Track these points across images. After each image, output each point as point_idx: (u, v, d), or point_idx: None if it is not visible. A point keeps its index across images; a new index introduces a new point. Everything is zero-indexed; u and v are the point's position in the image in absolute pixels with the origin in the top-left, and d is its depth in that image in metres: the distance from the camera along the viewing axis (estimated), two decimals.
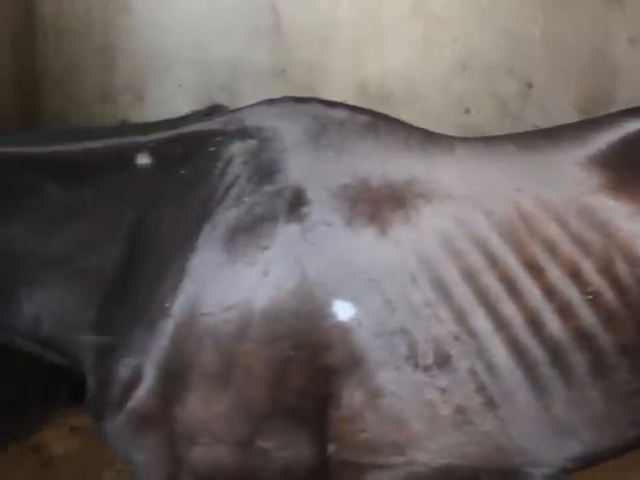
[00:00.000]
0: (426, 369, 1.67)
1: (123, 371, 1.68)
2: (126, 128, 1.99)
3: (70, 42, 4.12)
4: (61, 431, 3.82)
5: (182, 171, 1.81)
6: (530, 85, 3.94)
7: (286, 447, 1.71)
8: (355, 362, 1.66)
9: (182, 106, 3.84)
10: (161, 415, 1.66)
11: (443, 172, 1.81)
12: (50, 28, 4.10)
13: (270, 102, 1.93)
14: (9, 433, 3.66)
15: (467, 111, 3.98)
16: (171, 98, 4.04)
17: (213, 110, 2.03)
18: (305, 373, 1.66)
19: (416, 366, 1.67)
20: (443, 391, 1.67)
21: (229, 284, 1.67)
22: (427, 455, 1.71)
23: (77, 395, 1.95)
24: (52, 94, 4.16)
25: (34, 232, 1.77)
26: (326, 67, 4.01)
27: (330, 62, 4.01)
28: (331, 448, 1.73)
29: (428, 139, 1.90)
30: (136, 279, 1.74)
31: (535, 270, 1.70)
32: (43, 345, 1.84)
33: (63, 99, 4.17)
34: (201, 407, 1.65)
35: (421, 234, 1.72)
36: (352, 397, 1.68)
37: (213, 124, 1.90)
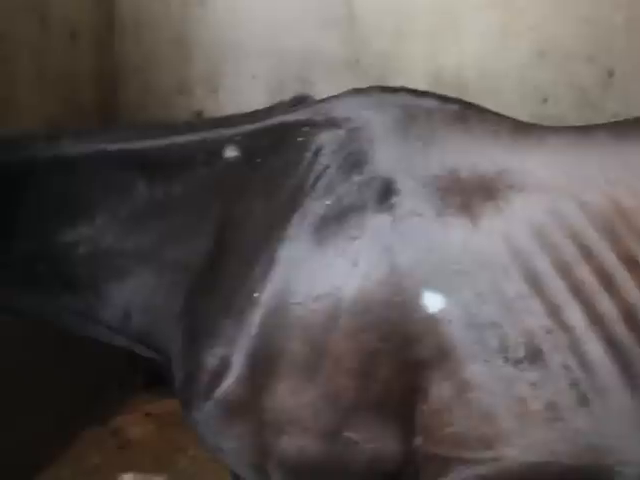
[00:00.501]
0: (517, 363, 1.63)
1: (211, 361, 1.70)
2: (212, 122, 2.00)
3: (148, 35, 4.19)
4: (137, 416, 3.92)
5: (270, 163, 1.82)
6: (611, 73, 3.82)
7: (372, 439, 1.70)
8: (444, 355, 1.64)
9: (256, 97, 3.89)
10: (249, 404, 1.67)
11: (535, 162, 1.77)
12: (129, 23, 4.19)
13: (357, 92, 1.92)
14: (88, 416, 3.76)
15: (545, 101, 3.89)
16: (246, 89, 4.07)
17: (298, 101, 2.03)
18: (393, 365, 1.65)
19: (506, 360, 1.64)
20: (534, 386, 1.64)
21: (318, 274, 1.67)
22: (516, 451, 1.68)
23: (152, 382, 1.99)
24: (130, 86, 4.25)
25: (124, 228, 1.81)
26: (400, 57, 3.98)
27: (404, 52, 3.98)
28: (417, 441, 1.72)
29: (519, 129, 1.86)
30: (224, 270, 1.76)
31: (632, 264, 1.65)
32: (132, 339, 1.88)
33: (140, 91, 4.25)
34: (289, 396, 1.65)
35: (513, 225, 1.68)
36: (440, 390, 1.66)
37: (300, 115, 1.90)
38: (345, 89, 1.98)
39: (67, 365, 3.38)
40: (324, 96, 1.99)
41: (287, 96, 2.11)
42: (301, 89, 3.76)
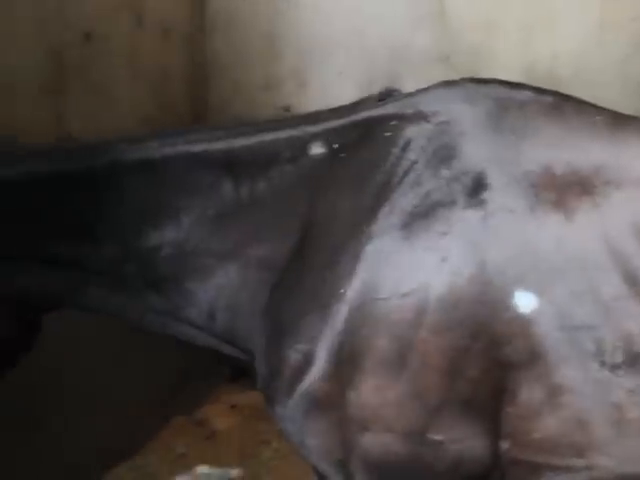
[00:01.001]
0: (614, 368, 1.56)
1: (294, 356, 1.69)
2: (298, 118, 1.99)
3: (237, 32, 4.24)
4: (223, 408, 3.98)
5: (356, 158, 1.80)
6: None
7: (458, 440, 1.66)
8: (535, 357, 1.58)
9: (344, 93, 3.88)
10: (333, 400, 1.66)
11: (635, 157, 1.68)
12: (220, 20, 4.25)
13: (447, 84, 1.87)
14: (175, 406, 3.84)
15: None
16: (333, 85, 4.07)
17: (386, 95, 2.00)
18: (481, 364, 1.60)
19: (602, 364, 1.56)
20: (632, 393, 1.56)
21: (405, 270, 1.64)
22: (610, 460, 1.60)
23: (238, 374, 2.01)
24: (219, 83, 4.31)
25: (210, 228, 1.83)
26: (492, 51, 3.88)
27: (496, 46, 3.88)
28: (504, 445, 1.66)
29: (617, 121, 1.77)
30: (309, 267, 1.75)
31: None
32: (216, 338, 1.89)
33: (229, 88, 4.30)
34: (374, 393, 1.63)
35: (611, 223, 1.61)
36: (530, 393, 1.61)
37: (387, 109, 1.87)
38: None
39: (156, 354, 3.45)
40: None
41: (375, 92, 2.08)
42: (389, 85, 3.72)
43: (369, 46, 4.03)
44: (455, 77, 2.04)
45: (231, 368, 4.06)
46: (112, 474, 3.35)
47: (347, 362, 1.64)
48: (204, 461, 3.48)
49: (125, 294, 1.88)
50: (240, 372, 1.89)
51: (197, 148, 1.85)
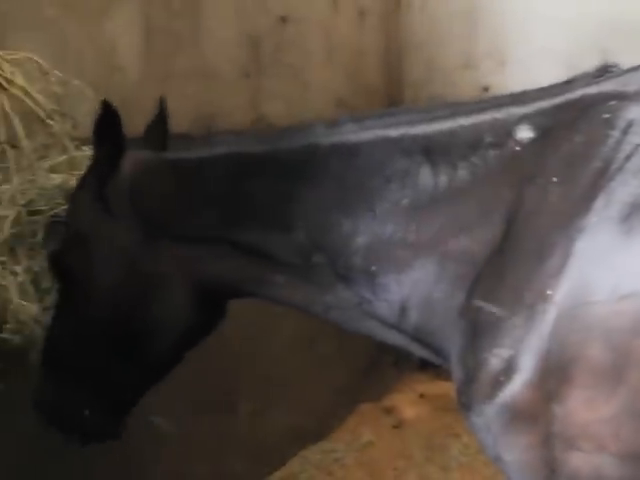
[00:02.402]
0: None
1: (494, 361, 1.54)
2: (502, 99, 1.82)
3: (434, 9, 4.10)
4: (412, 396, 3.91)
5: (569, 143, 1.61)
6: None
7: None
8: None
9: (548, 70, 3.61)
10: (537, 412, 1.50)
11: None
12: None
13: None
14: (363, 392, 3.82)
15: None
16: (535, 62, 3.81)
17: (603, 71, 1.78)
18: None
19: None
20: None
21: (625, 270, 1.44)
22: None
23: (427, 363, 1.89)
24: (415, 64, 4.20)
25: (406, 217, 1.70)
26: None
27: None
28: None
29: None
30: (511, 262, 1.59)
31: None
32: (407, 336, 1.78)
33: (424, 67, 4.18)
34: (584, 408, 1.46)
35: None
36: None
37: (605, 87, 1.66)
38: None
39: (346, 340, 3.44)
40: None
41: (583, 69, 1.87)
42: (600, 61, 3.43)
43: (576, 18, 3.73)
44: None
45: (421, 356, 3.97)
46: (299, 456, 3.39)
47: (554, 372, 1.48)
48: (391, 450, 3.43)
49: (312, 286, 1.81)
50: (429, 361, 1.79)
51: (394, 133, 1.74)
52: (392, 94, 4.11)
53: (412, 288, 1.69)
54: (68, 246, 1.86)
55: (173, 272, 1.82)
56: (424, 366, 3.93)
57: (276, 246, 1.80)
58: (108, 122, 1.74)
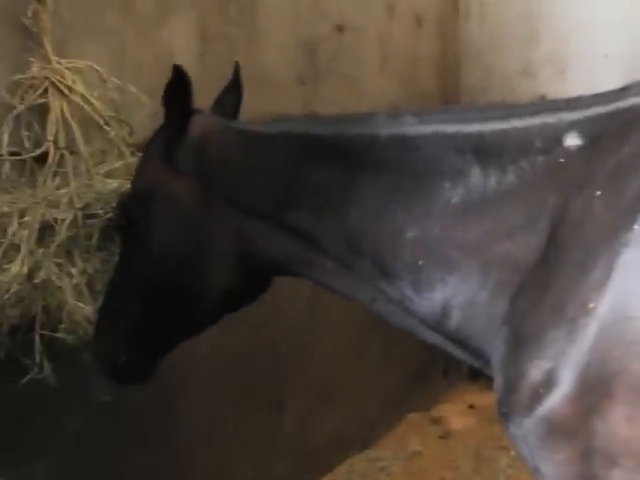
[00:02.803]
0: None
1: (535, 373, 1.52)
2: (555, 104, 1.79)
3: (493, 15, 4.06)
4: (460, 407, 3.87)
5: (618, 153, 1.57)
6: None
7: None
8: None
9: (610, 78, 3.53)
10: (577, 427, 1.47)
11: None
12: (474, 3, 4.09)
13: None
14: (411, 401, 3.80)
15: None
16: (597, 69, 3.73)
17: None
18: None
19: None
20: None
21: None
22: None
23: (477, 373, 1.86)
24: (472, 70, 4.16)
25: (454, 216, 1.69)
26: None
27: None
28: None
29: None
30: (555, 272, 1.56)
31: None
32: (447, 337, 1.76)
33: (482, 74, 4.14)
34: (626, 424, 1.42)
35: None
36: None
37: None
38: None
39: (396, 347, 3.43)
40: None
41: None
42: None
43: (637, 23, 3.64)
44: None
45: (470, 366, 3.93)
46: (345, 463, 3.39)
47: (595, 386, 1.44)
48: (438, 461, 3.40)
49: (357, 277, 1.82)
50: (479, 371, 1.77)
51: (451, 129, 1.73)
52: (448, 101, 4.08)
53: (456, 289, 1.68)
54: (134, 199, 1.92)
55: (225, 236, 1.86)
56: (474, 376, 3.88)
57: (325, 232, 1.81)
58: (178, 85, 1.80)
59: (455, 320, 1.70)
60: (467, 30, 4.12)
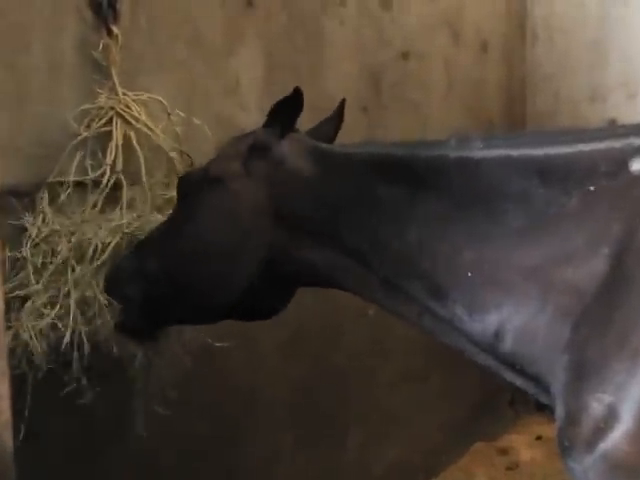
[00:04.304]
0: None
1: (595, 406, 1.47)
2: (623, 129, 1.76)
3: (561, 41, 4.01)
4: (527, 438, 3.77)
5: None
6: None
7: None
8: None
9: None
10: (637, 465, 1.42)
11: None
12: (541, 29, 4.05)
13: None
14: (478, 431, 3.73)
15: None
16: None
17: None
18: None
19: None
20: None
21: None
22: None
23: (543, 404, 1.82)
24: (539, 96, 4.11)
25: (515, 239, 1.68)
26: None
27: None
28: None
29: None
30: (620, 302, 1.52)
31: None
32: (500, 361, 1.73)
33: (549, 100, 4.08)
34: None
35: None
36: None
37: None
38: None
39: (461, 375, 3.38)
40: None
41: None
42: None
43: None
44: None
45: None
46: None
47: None
48: None
49: (403, 293, 1.82)
50: (544, 403, 1.72)
51: (516, 153, 1.73)
52: (514, 126, 4.04)
53: (512, 313, 1.65)
54: (200, 177, 1.96)
55: (266, 240, 1.89)
56: (541, 407, 3.79)
57: (377, 249, 1.82)
58: (292, 104, 1.86)
59: (509, 344, 1.67)
60: (534, 55, 4.08)
